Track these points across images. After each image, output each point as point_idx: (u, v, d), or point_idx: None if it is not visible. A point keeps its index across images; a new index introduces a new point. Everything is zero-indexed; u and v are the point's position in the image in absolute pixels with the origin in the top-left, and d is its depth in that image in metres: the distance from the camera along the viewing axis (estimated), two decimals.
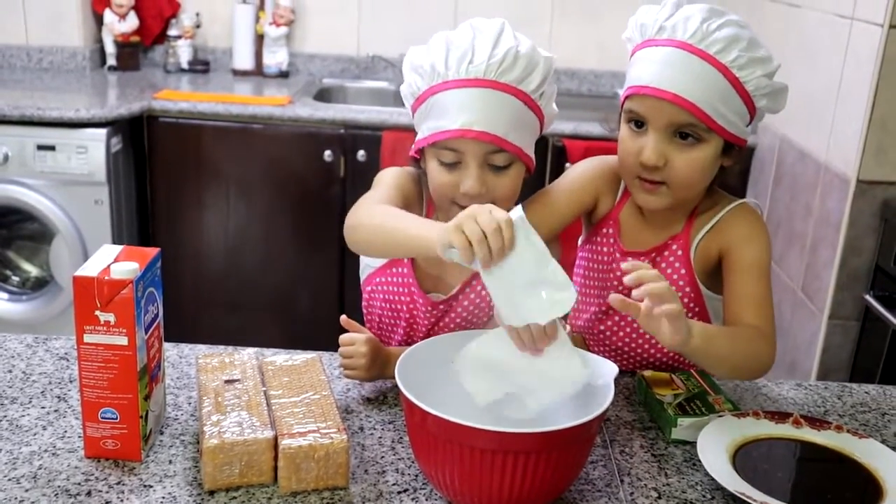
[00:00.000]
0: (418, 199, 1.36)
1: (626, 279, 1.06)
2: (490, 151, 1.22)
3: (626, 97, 1.27)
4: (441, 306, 1.34)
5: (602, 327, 1.39)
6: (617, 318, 1.38)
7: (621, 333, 1.38)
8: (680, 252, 1.32)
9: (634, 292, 1.05)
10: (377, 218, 1.21)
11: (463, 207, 1.25)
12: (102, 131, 2.73)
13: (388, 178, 1.34)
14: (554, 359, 1.04)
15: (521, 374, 1.05)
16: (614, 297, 1.07)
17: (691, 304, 1.33)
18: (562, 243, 1.41)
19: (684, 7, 1.25)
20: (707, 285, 1.32)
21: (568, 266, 1.36)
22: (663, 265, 1.33)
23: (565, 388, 1.03)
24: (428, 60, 1.23)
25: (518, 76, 1.21)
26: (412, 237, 1.12)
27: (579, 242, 1.46)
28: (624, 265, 1.08)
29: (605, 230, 1.38)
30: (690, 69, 1.20)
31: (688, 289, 1.32)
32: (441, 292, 1.34)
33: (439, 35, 1.25)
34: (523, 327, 1.02)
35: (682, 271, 1.32)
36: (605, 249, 1.38)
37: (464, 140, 1.21)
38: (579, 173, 1.39)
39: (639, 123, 1.26)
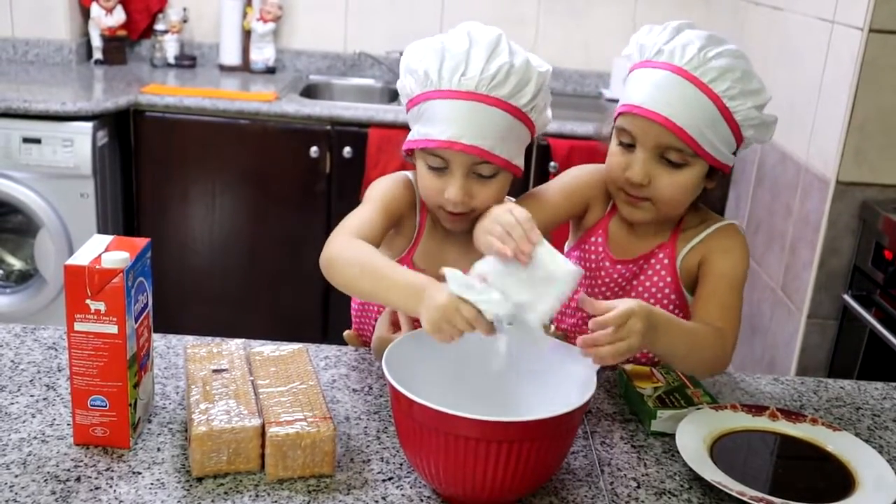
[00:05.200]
0: (411, 207, 1.37)
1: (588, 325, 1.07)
2: (476, 163, 1.24)
3: (619, 114, 1.30)
4: None
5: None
6: None
7: None
8: (666, 261, 1.34)
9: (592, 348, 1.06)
10: (356, 261, 1.19)
11: (448, 213, 1.28)
12: (88, 125, 2.74)
13: (378, 194, 1.34)
14: (539, 263, 1.04)
15: (514, 291, 1.03)
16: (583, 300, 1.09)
17: (676, 311, 1.36)
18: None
19: (685, 32, 1.27)
20: (692, 293, 1.35)
21: None
22: (650, 272, 1.36)
23: (558, 290, 1.03)
24: (422, 66, 1.24)
25: (510, 91, 1.22)
26: (386, 296, 1.14)
27: (566, 248, 1.48)
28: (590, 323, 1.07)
29: (594, 238, 1.40)
30: (683, 94, 1.23)
31: (673, 296, 1.35)
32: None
33: (436, 40, 1.25)
34: (506, 235, 1.04)
35: (668, 279, 1.34)
36: (593, 257, 1.40)
37: (451, 151, 1.23)
38: (574, 178, 1.41)
39: (629, 144, 1.28)
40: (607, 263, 1.38)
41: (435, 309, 1.03)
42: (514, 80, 1.22)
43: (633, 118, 1.26)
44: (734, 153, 1.29)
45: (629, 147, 1.28)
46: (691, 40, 1.25)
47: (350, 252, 1.21)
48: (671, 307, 1.35)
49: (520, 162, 1.29)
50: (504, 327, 1.03)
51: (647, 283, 1.36)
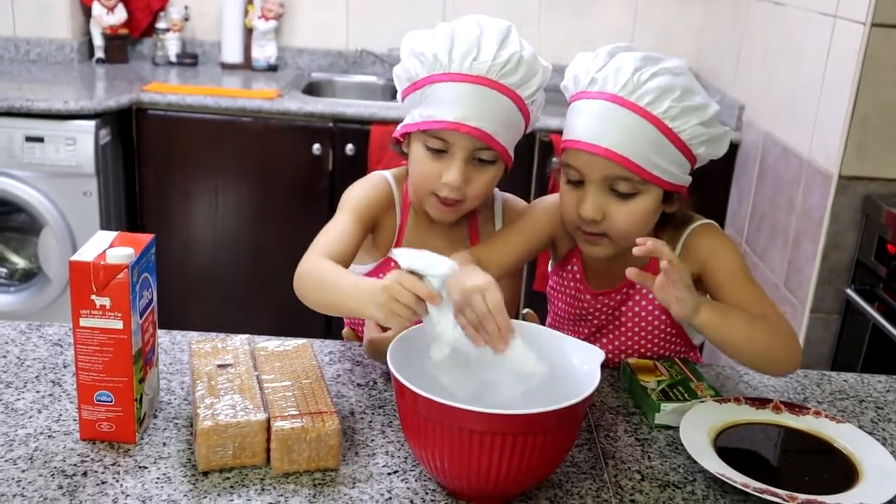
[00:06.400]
0: (390, 206, 1.38)
1: (636, 251, 1.10)
2: (477, 147, 1.25)
3: (563, 149, 1.27)
4: None
5: None
6: (605, 342, 1.39)
7: (605, 351, 1.38)
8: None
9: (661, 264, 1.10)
10: (315, 281, 1.21)
11: (440, 199, 1.28)
12: (91, 123, 2.74)
13: (351, 202, 1.34)
14: (512, 356, 1.06)
15: (487, 368, 1.07)
16: (631, 271, 1.12)
17: (669, 330, 1.35)
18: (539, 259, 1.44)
19: (617, 56, 1.22)
20: None
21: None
22: (637, 297, 1.34)
23: (526, 383, 1.06)
24: (431, 49, 1.25)
25: (518, 80, 1.24)
26: (347, 307, 1.15)
27: (549, 266, 1.48)
28: (635, 250, 1.10)
29: (570, 267, 1.39)
30: (622, 123, 1.18)
31: (663, 317, 1.34)
32: None
33: (444, 25, 1.27)
34: (479, 325, 1.04)
35: (656, 302, 1.31)
36: (571, 284, 1.39)
37: (455, 133, 1.23)
38: (537, 215, 1.38)
39: (577, 182, 1.25)
40: (588, 297, 1.37)
41: (380, 292, 1.04)
42: (524, 71, 1.24)
43: (577, 153, 1.22)
44: (690, 172, 1.26)
45: (578, 184, 1.25)
46: (624, 64, 1.20)
47: (310, 274, 1.22)
48: (662, 327, 1.35)
49: (512, 155, 1.30)
50: (448, 303, 1.04)
51: (637, 309, 1.35)
